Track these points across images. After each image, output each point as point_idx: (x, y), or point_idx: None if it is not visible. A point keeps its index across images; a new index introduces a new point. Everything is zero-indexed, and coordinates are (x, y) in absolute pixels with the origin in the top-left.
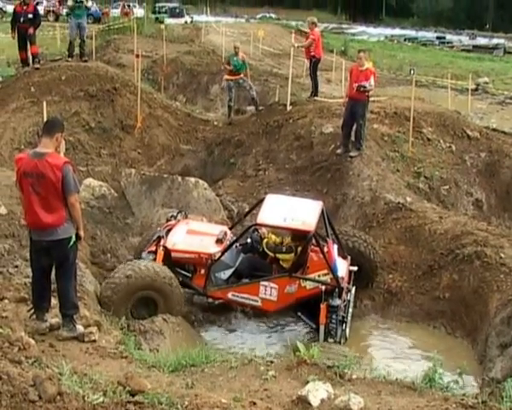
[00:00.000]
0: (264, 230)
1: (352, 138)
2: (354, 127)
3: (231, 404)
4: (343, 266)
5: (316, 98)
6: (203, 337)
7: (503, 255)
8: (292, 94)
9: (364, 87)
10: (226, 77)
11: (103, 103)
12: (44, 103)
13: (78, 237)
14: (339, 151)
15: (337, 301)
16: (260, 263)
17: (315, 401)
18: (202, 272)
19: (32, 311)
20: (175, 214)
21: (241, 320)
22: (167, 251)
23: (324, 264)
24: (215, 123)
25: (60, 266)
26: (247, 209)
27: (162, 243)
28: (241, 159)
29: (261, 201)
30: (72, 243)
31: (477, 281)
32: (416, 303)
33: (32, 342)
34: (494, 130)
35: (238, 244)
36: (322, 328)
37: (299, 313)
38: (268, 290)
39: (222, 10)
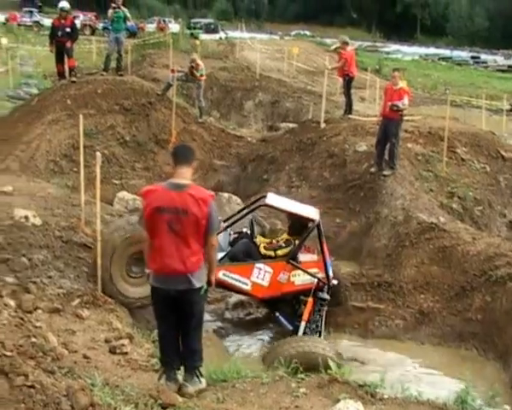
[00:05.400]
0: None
1: (386, 157)
2: (388, 146)
3: None
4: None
5: (350, 116)
6: (233, 352)
7: None
8: (326, 111)
9: (397, 106)
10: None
11: (138, 117)
12: (81, 116)
13: (209, 283)
14: (372, 170)
15: (326, 296)
16: (255, 251)
17: None
18: None
19: (162, 370)
20: None
21: (273, 336)
22: None
23: (315, 263)
24: (249, 139)
25: (190, 316)
26: (278, 226)
27: None
28: (275, 175)
29: (260, 198)
30: (203, 290)
31: (510, 303)
32: (447, 324)
33: (66, 352)
34: None
35: (233, 232)
36: (303, 324)
37: (277, 314)
38: (261, 274)
39: (256, 27)
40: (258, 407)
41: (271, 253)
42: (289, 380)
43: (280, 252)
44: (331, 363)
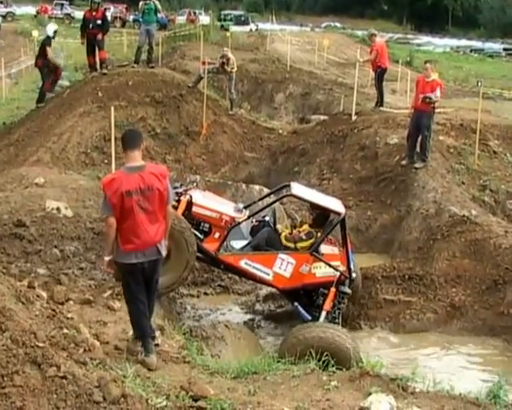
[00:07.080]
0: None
1: (418, 150)
2: (419, 138)
3: None
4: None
5: (381, 108)
6: (264, 345)
7: None
8: (357, 104)
9: (430, 98)
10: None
11: (169, 109)
12: (112, 108)
13: None
14: (404, 162)
15: (347, 290)
16: (277, 240)
17: None
18: (217, 235)
19: (141, 345)
20: (198, 181)
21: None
22: (190, 204)
23: (336, 256)
24: (279, 131)
25: (154, 285)
26: (308, 217)
27: (182, 197)
28: (306, 168)
29: (282, 187)
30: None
31: None
32: (479, 318)
33: (97, 343)
34: None
35: (254, 220)
36: (323, 314)
37: (296, 303)
38: (284, 265)
39: (287, 19)
40: (290, 400)
41: (291, 244)
42: (320, 373)
43: (300, 244)
44: (362, 357)
